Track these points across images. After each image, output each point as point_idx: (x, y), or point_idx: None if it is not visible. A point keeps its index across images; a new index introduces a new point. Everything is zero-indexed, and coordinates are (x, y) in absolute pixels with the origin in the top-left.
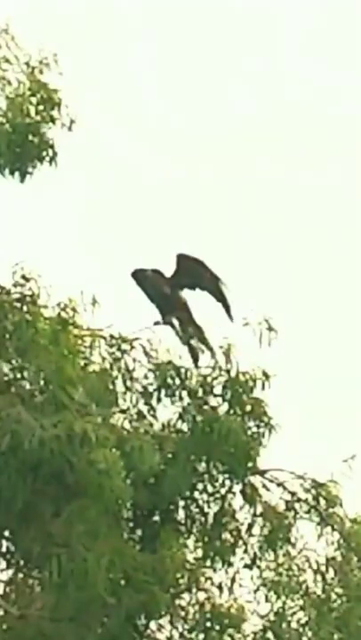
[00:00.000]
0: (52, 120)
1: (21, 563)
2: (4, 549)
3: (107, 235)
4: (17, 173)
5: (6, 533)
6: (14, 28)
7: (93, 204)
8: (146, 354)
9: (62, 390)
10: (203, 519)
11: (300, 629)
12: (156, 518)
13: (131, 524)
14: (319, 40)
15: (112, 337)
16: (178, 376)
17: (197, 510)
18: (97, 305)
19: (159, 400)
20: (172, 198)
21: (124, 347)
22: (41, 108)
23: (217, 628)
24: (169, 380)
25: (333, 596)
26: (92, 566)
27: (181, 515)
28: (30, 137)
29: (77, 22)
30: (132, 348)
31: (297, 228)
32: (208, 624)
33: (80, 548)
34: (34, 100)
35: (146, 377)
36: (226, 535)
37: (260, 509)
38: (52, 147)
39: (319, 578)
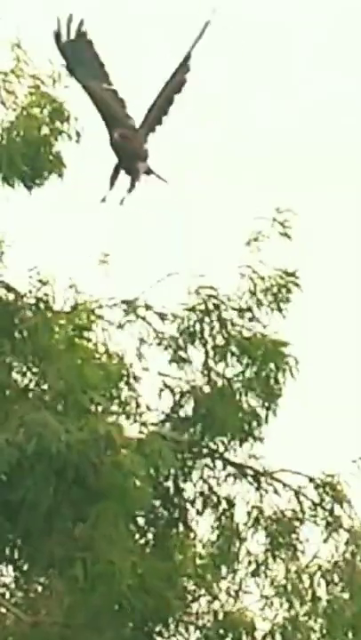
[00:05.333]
0: (61, 133)
1: (34, 569)
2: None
3: (116, 243)
4: (23, 184)
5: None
6: (24, 39)
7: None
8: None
9: (84, 394)
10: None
11: (309, 635)
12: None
13: (145, 528)
14: (332, 52)
15: (124, 302)
16: (216, 308)
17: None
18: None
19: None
20: (180, 205)
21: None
22: (48, 120)
23: (230, 635)
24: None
25: (341, 601)
26: (119, 568)
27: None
28: (41, 150)
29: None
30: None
31: (313, 238)
32: (221, 631)
33: (105, 551)
34: (44, 112)
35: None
36: (231, 540)
37: (268, 512)
38: (60, 160)
39: (325, 582)
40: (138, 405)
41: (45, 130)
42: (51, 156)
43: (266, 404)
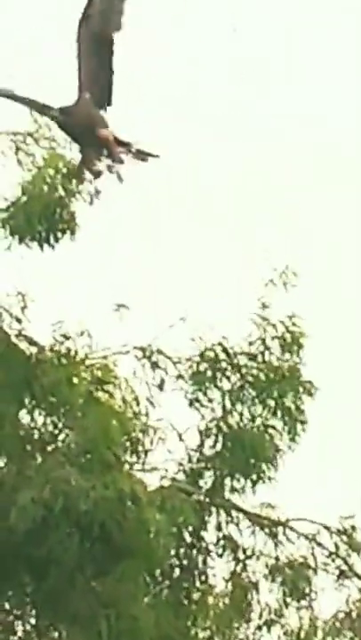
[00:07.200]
0: (75, 194)
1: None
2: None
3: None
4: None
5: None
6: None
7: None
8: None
9: (109, 450)
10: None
11: None
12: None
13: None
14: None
15: (139, 348)
16: (226, 353)
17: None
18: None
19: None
20: (185, 251)
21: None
22: (64, 182)
23: None
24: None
25: None
26: (144, 625)
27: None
28: (58, 210)
29: None
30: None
31: (321, 244)
32: None
33: (128, 607)
34: (59, 174)
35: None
36: (247, 590)
37: (282, 560)
38: (74, 220)
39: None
40: (152, 443)
41: (61, 191)
42: (66, 215)
43: (289, 431)
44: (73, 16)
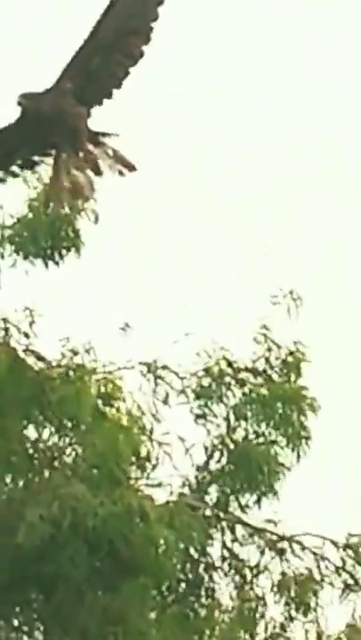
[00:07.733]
0: (80, 212)
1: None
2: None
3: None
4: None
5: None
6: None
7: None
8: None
9: (118, 467)
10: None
11: None
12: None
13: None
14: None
15: (144, 364)
16: (230, 367)
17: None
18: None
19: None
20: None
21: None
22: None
23: None
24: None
25: None
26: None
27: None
28: (63, 227)
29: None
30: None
31: (320, 239)
32: None
33: (136, 623)
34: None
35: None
36: (253, 606)
37: (288, 574)
38: (79, 237)
39: None
40: (157, 459)
41: (66, 208)
42: (72, 233)
43: (293, 448)
44: (73, 16)
